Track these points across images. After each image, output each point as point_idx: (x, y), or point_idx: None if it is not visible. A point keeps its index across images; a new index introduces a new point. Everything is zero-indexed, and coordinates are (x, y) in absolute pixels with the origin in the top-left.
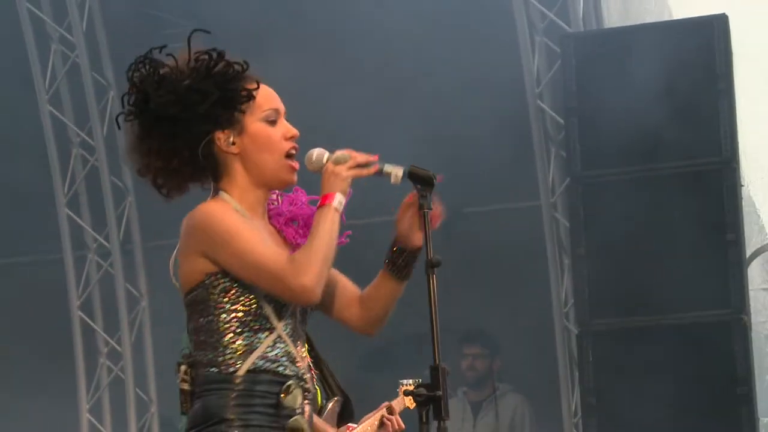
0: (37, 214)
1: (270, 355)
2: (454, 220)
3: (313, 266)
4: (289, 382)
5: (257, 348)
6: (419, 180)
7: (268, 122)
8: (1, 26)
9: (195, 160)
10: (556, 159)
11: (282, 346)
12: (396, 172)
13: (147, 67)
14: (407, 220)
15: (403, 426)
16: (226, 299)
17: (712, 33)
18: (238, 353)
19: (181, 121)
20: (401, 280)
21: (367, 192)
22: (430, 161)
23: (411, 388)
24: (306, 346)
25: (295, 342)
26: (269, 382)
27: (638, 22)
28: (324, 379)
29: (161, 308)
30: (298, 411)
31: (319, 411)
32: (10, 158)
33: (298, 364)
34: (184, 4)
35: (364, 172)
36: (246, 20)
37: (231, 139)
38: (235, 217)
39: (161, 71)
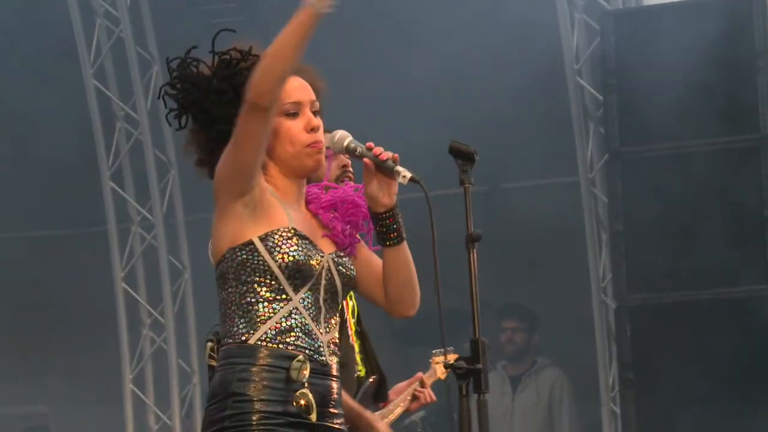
0: (81, 188)
1: (283, 325)
2: (493, 195)
3: (258, 72)
4: (299, 357)
5: (270, 318)
6: (460, 155)
7: (288, 116)
8: (47, 2)
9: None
10: (594, 135)
11: (298, 317)
12: (405, 173)
13: (178, 69)
14: (373, 185)
15: (434, 398)
16: (243, 271)
17: (751, 9)
18: (251, 323)
19: (212, 121)
20: (389, 246)
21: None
22: (470, 137)
23: (442, 358)
24: (336, 321)
25: (316, 316)
26: (279, 356)
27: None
28: (366, 357)
29: (204, 280)
30: (304, 384)
31: (357, 389)
32: (56, 132)
33: (314, 338)
34: None
35: (371, 160)
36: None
37: None
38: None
39: (189, 73)
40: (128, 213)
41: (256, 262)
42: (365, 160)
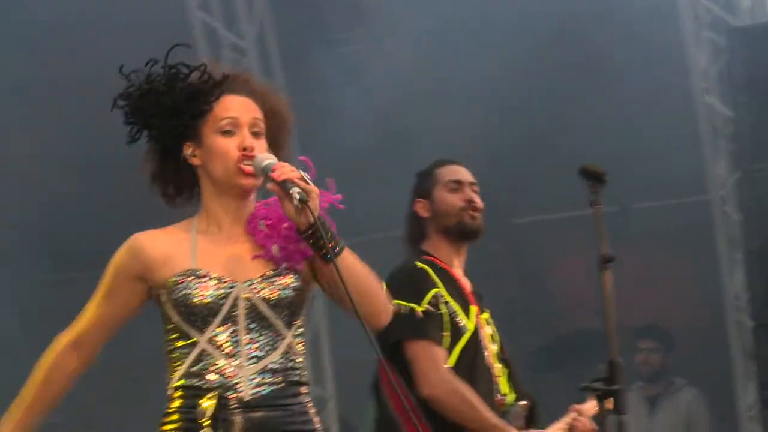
0: None
1: (194, 369)
2: (623, 216)
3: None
4: (208, 395)
5: (182, 365)
6: (590, 176)
7: (223, 133)
8: None
9: (181, 171)
10: (724, 153)
11: (207, 359)
12: (296, 194)
13: (132, 81)
14: (286, 206)
15: (595, 427)
16: (163, 322)
17: None
18: (171, 373)
19: (153, 134)
20: (326, 263)
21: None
22: (599, 157)
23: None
24: (284, 343)
25: (234, 350)
26: (191, 396)
27: None
28: (514, 381)
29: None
30: (205, 423)
31: (505, 413)
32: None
33: (232, 374)
34: None
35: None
36: None
37: (192, 151)
38: (114, 265)
39: (142, 87)
40: None
41: (163, 312)
42: (268, 184)
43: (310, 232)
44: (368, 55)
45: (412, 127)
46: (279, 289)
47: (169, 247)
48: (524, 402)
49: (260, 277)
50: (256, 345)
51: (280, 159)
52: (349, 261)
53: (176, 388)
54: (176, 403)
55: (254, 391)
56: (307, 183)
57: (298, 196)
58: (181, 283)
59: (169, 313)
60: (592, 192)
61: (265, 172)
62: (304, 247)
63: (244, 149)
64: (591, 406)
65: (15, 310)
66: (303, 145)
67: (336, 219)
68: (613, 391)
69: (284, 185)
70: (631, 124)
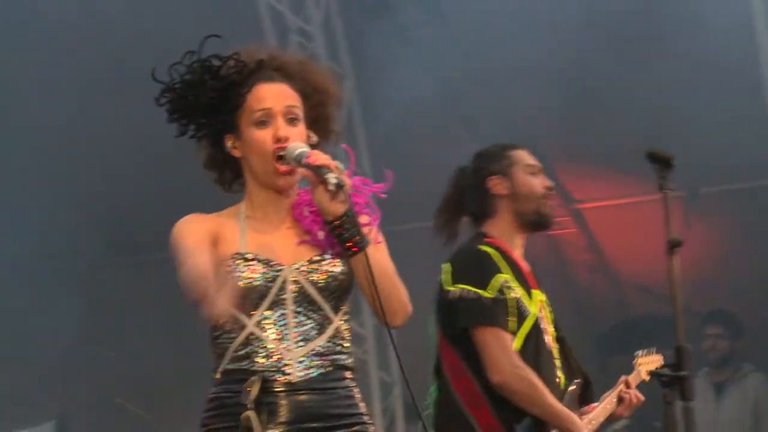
0: None
1: (241, 353)
2: (691, 200)
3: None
4: (252, 378)
5: (228, 348)
6: (658, 160)
7: (258, 125)
8: None
9: (226, 160)
10: None
11: (257, 342)
12: (332, 179)
13: (180, 69)
14: (318, 193)
15: (641, 398)
16: None
17: None
18: (218, 357)
19: (196, 128)
20: (349, 256)
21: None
22: (667, 142)
23: (647, 359)
24: (331, 327)
25: (282, 333)
26: (237, 380)
27: None
28: (567, 362)
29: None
30: (247, 406)
31: (561, 395)
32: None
33: (280, 356)
34: None
35: (306, 169)
36: None
37: (232, 144)
38: (192, 229)
39: (184, 78)
40: None
41: None
42: (302, 170)
43: (336, 223)
44: (434, 38)
45: (477, 110)
46: (327, 273)
47: (220, 230)
48: (576, 382)
49: (307, 260)
50: (304, 328)
51: (326, 133)
52: (375, 257)
53: (223, 372)
54: (222, 387)
55: (302, 373)
56: (341, 173)
57: (334, 181)
58: (232, 266)
59: None
60: (659, 176)
61: (299, 160)
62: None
63: (278, 140)
64: (637, 374)
65: (80, 293)
66: (367, 127)
67: (397, 204)
68: (681, 377)
69: (319, 171)
70: (700, 107)
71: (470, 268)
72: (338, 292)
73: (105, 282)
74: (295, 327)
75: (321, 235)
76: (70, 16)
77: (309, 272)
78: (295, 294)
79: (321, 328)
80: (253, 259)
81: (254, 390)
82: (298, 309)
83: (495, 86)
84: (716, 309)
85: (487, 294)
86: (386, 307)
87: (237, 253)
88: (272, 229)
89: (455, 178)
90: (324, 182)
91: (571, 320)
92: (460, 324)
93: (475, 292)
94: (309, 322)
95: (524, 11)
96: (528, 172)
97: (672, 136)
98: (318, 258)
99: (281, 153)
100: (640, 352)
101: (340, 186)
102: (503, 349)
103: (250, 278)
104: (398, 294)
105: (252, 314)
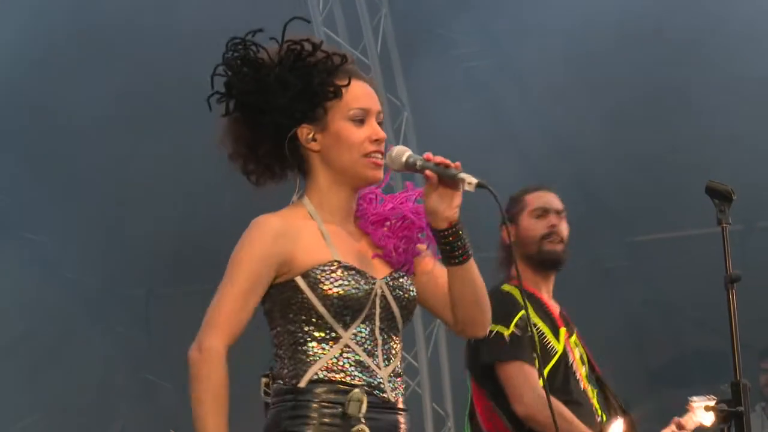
0: None
1: (336, 366)
2: (748, 234)
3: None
4: (355, 390)
5: (320, 359)
6: (717, 194)
7: (353, 122)
8: None
9: (280, 153)
10: None
11: (350, 355)
12: (470, 179)
13: (239, 50)
14: (433, 199)
15: None
16: (290, 310)
17: None
18: (301, 364)
19: (263, 112)
20: (454, 265)
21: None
22: (724, 173)
23: (701, 404)
24: (399, 348)
25: (372, 349)
26: (334, 391)
27: None
28: (606, 399)
29: None
30: (361, 420)
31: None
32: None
33: (372, 374)
34: None
35: (433, 171)
36: None
37: (312, 135)
38: (254, 252)
39: (249, 59)
40: None
41: (300, 300)
42: (427, 172)
43: (453, 230)
44: (491, 69)
45: (530, 140)
46: (408, 292)
47: (297, 238)
48: (620, 419)
49: (389, 275)
50: (387, 346)
51: None
52: (475, 267)
53: (311, 381)
54: (310, 395)
55: (394, 392)
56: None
57: (475, 180)
58: (329, 273)
59: (312, 304)
60: (718, 210)
61: (411, 164)
62: (415, 248)
63: (376, 141)
64: (691, 419)
65: (140, 323)
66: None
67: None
68: (737, 412)
69: (448, 172)
70: (757, 141)
71: (493, 308)
72: (412, 312)
73: (164, 311)
74: (383, 344)
75: (395, 250)
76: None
77: (394, 288)
78: (381, 309)
79: (397, 347)
80: (351, 269)
81: (364, 403)
82: (383, 326)
83: (549, 117)
84: None
85: (509, 330)
86: (480, 318)
87: (335, 261)
88: (351, 238)
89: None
90: (452, 183)
91: (625, 354)
92: (484, 361)
93: (498, 330)
94: (389, 340)
95: (585, 38)
96: (534, 216)
97: (729, 168)
98: (396, 275)
99: (377, 155)
100: (694, 398)
101: (482, 185)
102: (527, 380)
103: (356, 288)
104: (489, 306)
105: (349, 326)
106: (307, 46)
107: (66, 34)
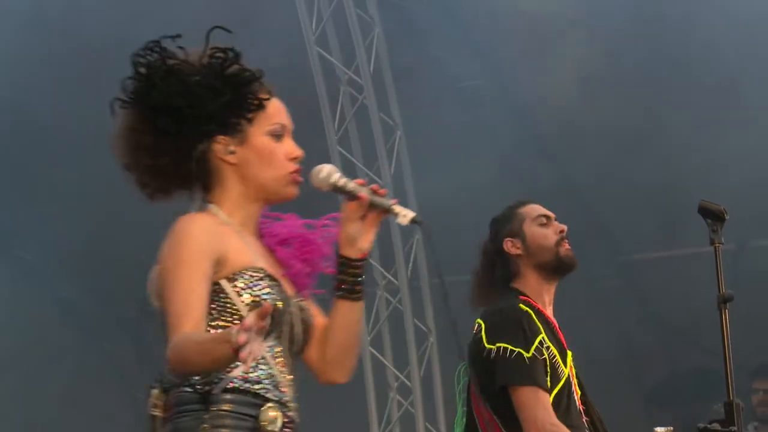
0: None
1: (250, 376)
2: (741, 253)
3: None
4: (269, 404)
5: (237, 367)
6: (709, 214)
7: (273, 136)
8: None
9: (186, 163)
10: None
11: (266, 368)
12: (405, 212)
13: (156, 54)
14: (354, 227)
15: None
16: (207, 314)
17: None
18: (215, 372)
19: (183, 118)
20: (350, 299)
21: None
22: (717, 193)
23: None
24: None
25: (282, 366)
26: (247, 404)
27: None
28: (593, 423)
29: (450, 343)
30: None
31: None
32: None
33: (282, 390)
34: None
35: (367, 196)
36: None
37: (230, 148)
38: (196, 248)
39: (170, 62)
40: (374, 277)
41: (222, 303)
42: (361, 194)
43: (362, 262)
44: (486, 90)
45: (528, 163)
46: (311, 317)
47: (229, 235)
48: None
49: (296, 296)
50: (293, 367)
51: None
52: (362, 310)
53: (226, 389)
54: (227, 406)
55: (296, 413)
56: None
57: (411, 214)
58: (258, 279)
59: (236, 308)
60: (711, 230)
61: (341, 186)
62: (316, 274)
63: (294, 158)
64: None
65: (131, 342)
66: (417, 179)
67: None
68: None
69: (383, 202)
70: (750, 159)
71: (510, 327)
72: (308, 342)
73: (156, 330)
74: (291, 364)
75: (302, 272)
76: None
77: (302, 310)
78: (290, 329)
79: (295, 369)
80: (275, 281)
81: (280, 419)
82: (290, 345)
83: (544, 137)
84: (765, 363)
85: (528, 354)
86: (347, 364)
87: (260, 268)
88: (263, 251)
89: (481, 251)
90: (382, 213)
91: (618, 373)
92: (499, 382)
93: (518, 352)
94: (290, 360)
95: (584, 69)
96: (538, 224)
97: (722, 189)
98: (299, 298)
99: (296, 174)
100: (658, 429)
101: (417, 221)
102: (543, 408)
103: (278, 299)
104: (356, 355)
105: (266, 338)
106: (231, 55)
107: (54, 52)
